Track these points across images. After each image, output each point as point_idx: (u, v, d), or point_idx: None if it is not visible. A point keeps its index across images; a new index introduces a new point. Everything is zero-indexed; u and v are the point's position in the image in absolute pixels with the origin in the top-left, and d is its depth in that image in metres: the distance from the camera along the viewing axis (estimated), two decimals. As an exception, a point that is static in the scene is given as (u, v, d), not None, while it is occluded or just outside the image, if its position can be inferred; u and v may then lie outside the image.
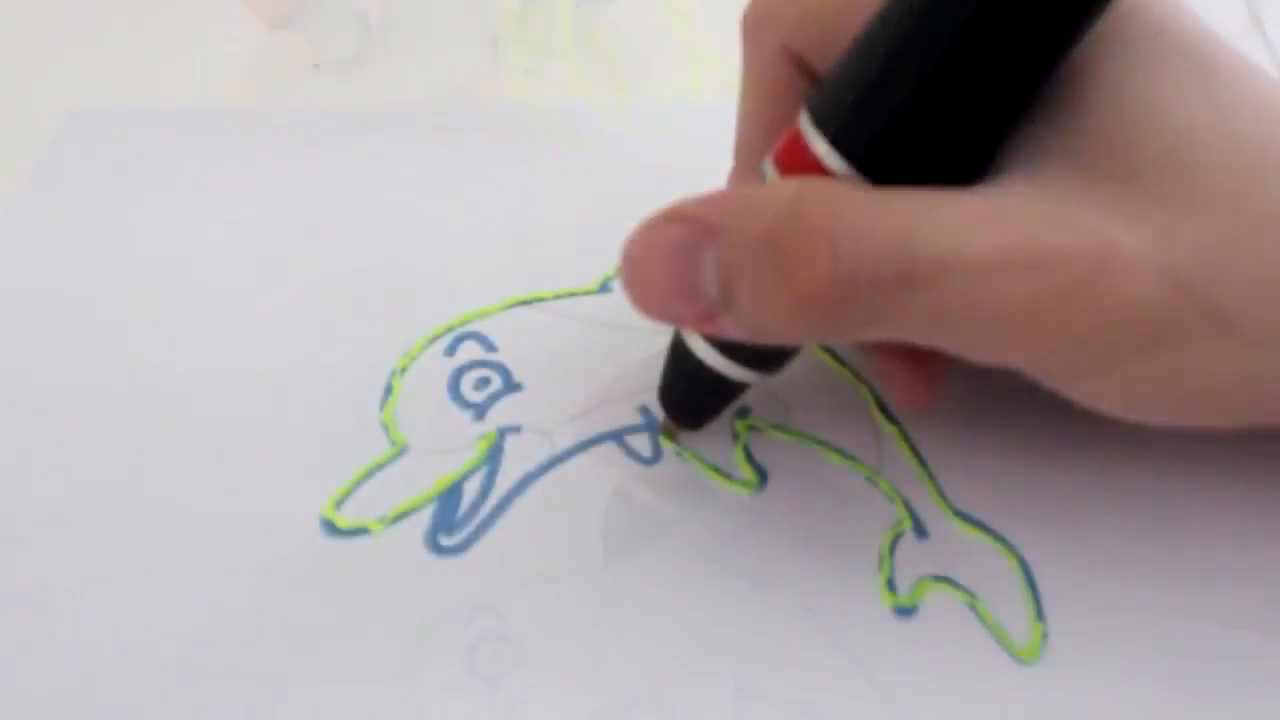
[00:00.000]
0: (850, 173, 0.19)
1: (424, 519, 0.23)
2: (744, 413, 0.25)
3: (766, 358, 0.23)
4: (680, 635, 0.22)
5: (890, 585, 0.22)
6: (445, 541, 0.23)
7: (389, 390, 0.26)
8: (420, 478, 0.24)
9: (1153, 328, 0.19)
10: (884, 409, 0.26)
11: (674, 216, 0.20)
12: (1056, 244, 0.18)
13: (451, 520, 0.23)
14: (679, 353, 0.23)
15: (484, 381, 0.26)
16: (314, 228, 0.30)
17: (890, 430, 0.25)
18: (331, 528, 0.23)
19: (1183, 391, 0.20)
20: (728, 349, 0.22)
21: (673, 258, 0.19)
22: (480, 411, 0.26)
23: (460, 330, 0.27)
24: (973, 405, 0.25)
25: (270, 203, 0.31)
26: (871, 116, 0.19)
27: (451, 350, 0.27)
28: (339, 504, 0.24)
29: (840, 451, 0.25)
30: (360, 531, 0.23)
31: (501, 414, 0.25)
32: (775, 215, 0.19)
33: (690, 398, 0.24)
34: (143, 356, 0.27)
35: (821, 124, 0.20)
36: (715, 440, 0.25)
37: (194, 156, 0.33)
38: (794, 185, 0.19)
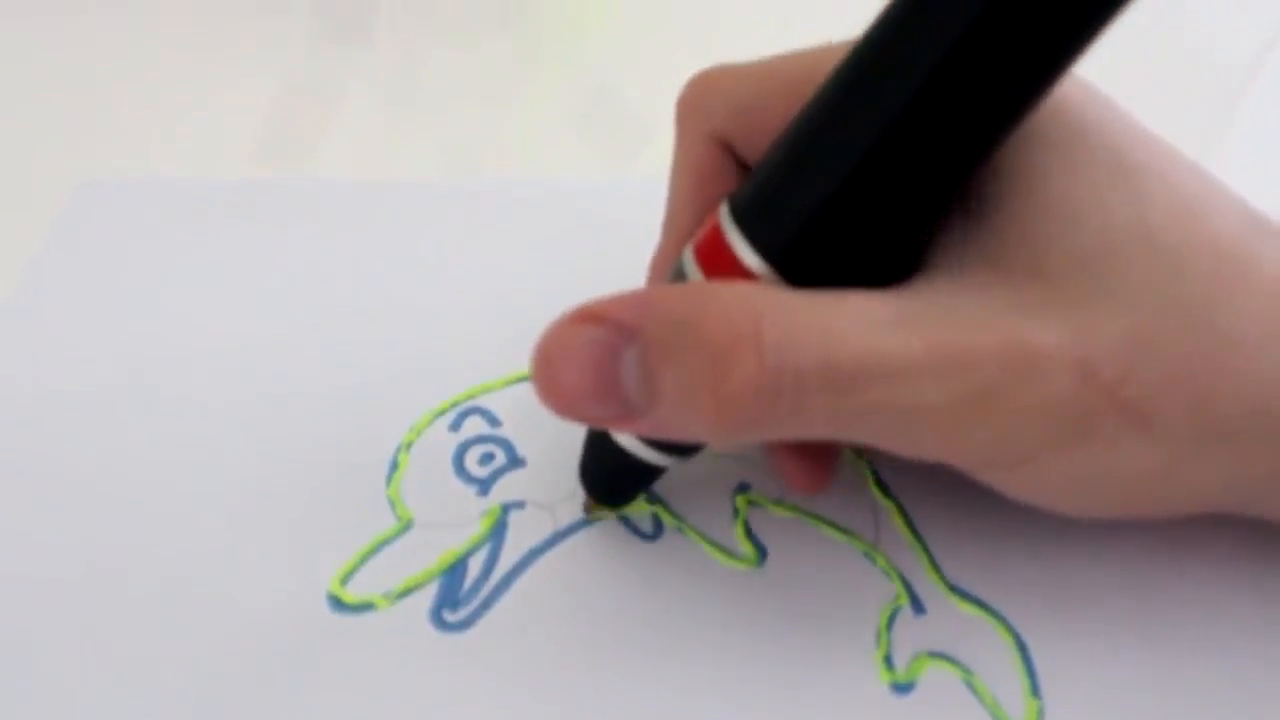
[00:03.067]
0: (768, 271, 0.19)
1: (429, 595, 0.24)
2: (744, 488, 0.26)
3: (683, 444, 0.23)
4: (680, 711, 0.22)
5: (887, 661, 0.23)
6: (449, 618, 0.23)
7: (395, 465, 0.26)
8: (425, 553, 0.25)
9: (1071, 425, 0.19)
10: (881, 484, 0.26)
11: (590, 317, 0.19)
12: (975, 345, 0.19)
13: (456, 597, 0.24)
14: (596, 435, 0.24)
15: (488, 457, 0.27)
16: (320, 301, 0.31)
17: (887, 505, 0.26)
18: (338, 603, 0.24)
19: (1102, 485, 0.20)
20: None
21: (590, 360, 0.19)
22: (484, 487, 0.26)
23: (464, 405, 0.28)
24: (967, 480, 0.25)
25: (278, 275, 0.32)
26: (790, 217, 0.19)
27: (456, 425, 0.27)
28: (345, 579, 0.24)
29: (838, 527, 0.25)
30: (366, 607, 0.24)
31: (505, 489, 0.26)
32: (701, 317, 0.19)
33: (609, 479, 0.24)
34: (152, 427, 0.27)
35: (741, 221, 0.20)
36: (715, 516, 0.25)
37: (204, 227, 0.34)
38: (716, 287, 0.19)
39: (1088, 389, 0.19)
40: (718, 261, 0.20)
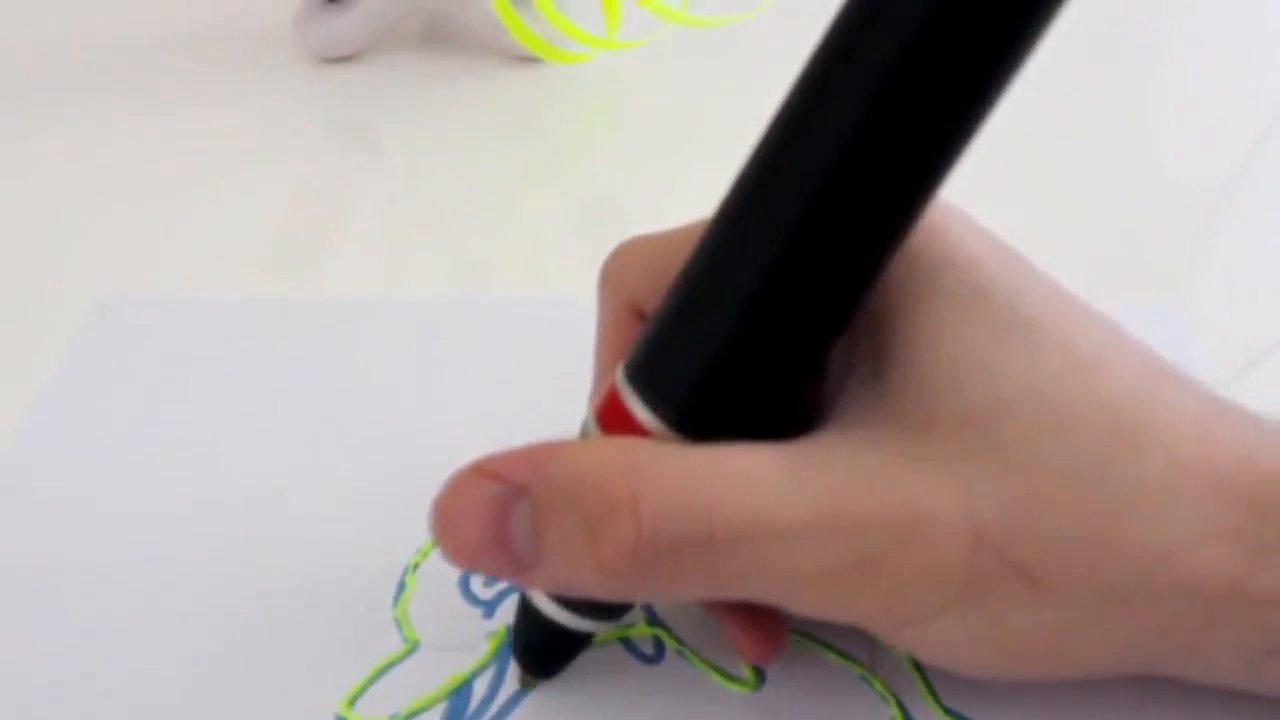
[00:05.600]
0: (662, 428, 0.20)
1: (435, 717, 0.24)
2: (742, 611, 0.26)
3: (606, 608, 0.23)
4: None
5: (885, 786, 0.23)
6: (455, 740, 0.24)
7: (402, 586, 0.27)
8: (431, 675, 0.25)
9: (961, 586, 0.19)
10: (876, 606, 0.27)
11: (485, 472, 0.20)
12: (860, 508, 0.19)
13: (462, 719, 0.24)
14: (524, 605, 0.24)
15: (493, 578, 0.27)
16: (329, 419, 0.32)
17: (883, 628, 0.26)
18: (345, 726, 0.24)
19: (996, 644, 0.20)
20: (567, 601, 0.23)
21: (484, 514, 0.20)
22: (490, 609, 0.27)
23: (471, 526, 0.28)
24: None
25: (288, 395, 0.33)
26: (676, 373, 0.20)
27: (462, 546, 0.28)
28: (353, 701, 0.25)
29: (835, 649, 0.26)
30: (373, 730, 0.24)
31: (510, 611, 0.26)
32: (581, 480, 0.19)
33: (538, 647, 0.24)
34: (160, 545, 0.28)
35: (633, 380, 0.20)
36: (716, 639, 0.26)
37: (218, 344, 0.34)
38: (602, 447, 0.20)
39: (978, 551, 0.19)
40: (615, 420, 0.21)
